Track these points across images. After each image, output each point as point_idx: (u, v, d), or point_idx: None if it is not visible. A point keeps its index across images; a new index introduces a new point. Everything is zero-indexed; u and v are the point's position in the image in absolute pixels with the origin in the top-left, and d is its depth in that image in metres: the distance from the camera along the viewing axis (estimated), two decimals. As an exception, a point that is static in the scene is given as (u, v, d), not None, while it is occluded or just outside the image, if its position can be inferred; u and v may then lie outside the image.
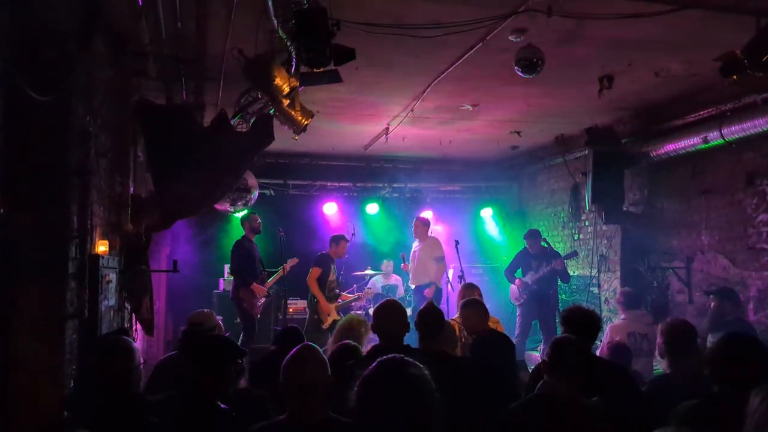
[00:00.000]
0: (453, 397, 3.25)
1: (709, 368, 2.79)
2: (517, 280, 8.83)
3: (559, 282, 8.79)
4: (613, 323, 6.83)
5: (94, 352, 3.29)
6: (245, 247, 8.37)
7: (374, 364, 1.98)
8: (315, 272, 8.34)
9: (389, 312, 3.84)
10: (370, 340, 4.62)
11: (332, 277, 8.58)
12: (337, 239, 8.75)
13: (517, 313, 8.82)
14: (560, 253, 8.95)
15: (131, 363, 3.08)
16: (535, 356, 8.47)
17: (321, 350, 2.81)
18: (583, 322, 3.81)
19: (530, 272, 8.70)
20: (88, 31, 4.02)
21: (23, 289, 3.39)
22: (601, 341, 6.96)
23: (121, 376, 3.02)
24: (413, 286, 9.34)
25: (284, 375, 2.65)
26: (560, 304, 8.76)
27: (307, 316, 8.59)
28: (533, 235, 8.89)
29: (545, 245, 8.83)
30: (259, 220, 8.56)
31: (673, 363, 3.65)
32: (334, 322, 7.60)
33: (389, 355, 2.09)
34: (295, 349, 2.75)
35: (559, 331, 4.01)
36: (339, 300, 8.66)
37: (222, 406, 3.05)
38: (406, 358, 2.03)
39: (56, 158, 3.61)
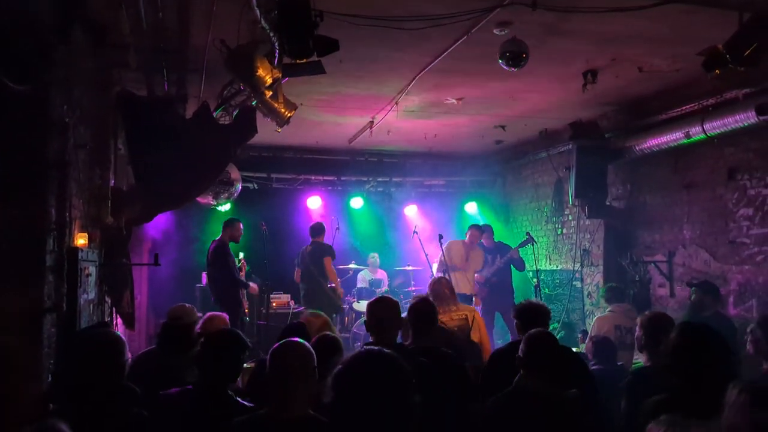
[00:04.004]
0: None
1: (668, 359, 2.80)
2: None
3: (542, 276, 8.83)
4: (602, 315, 6.84)
5: (82, 345, 3.24)
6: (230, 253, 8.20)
7: (353, 353, 1.98)
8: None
9: (383, 308, 3.60)
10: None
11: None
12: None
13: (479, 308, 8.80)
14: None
15: (122, 355, 3.06)
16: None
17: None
18: (535, 314, 3.96)
19: (486, 266, 8.75)
20: (68, 21, 3.97)
21: (0, 283, 3.35)
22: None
23: (112, 368, 2.99)
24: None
25: (270, 360, 2.65)
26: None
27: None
28: (489, 230, 9.00)
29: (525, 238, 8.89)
30: (242, 231, 8.31)
31: (652, 356, 3.66)
32: None
33: (369, 347, 2.08)
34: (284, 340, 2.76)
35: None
36: None
37: (239, 399, 3.07)
38: (384, 349, 2.02)
39: (34, 150, 3.56)
